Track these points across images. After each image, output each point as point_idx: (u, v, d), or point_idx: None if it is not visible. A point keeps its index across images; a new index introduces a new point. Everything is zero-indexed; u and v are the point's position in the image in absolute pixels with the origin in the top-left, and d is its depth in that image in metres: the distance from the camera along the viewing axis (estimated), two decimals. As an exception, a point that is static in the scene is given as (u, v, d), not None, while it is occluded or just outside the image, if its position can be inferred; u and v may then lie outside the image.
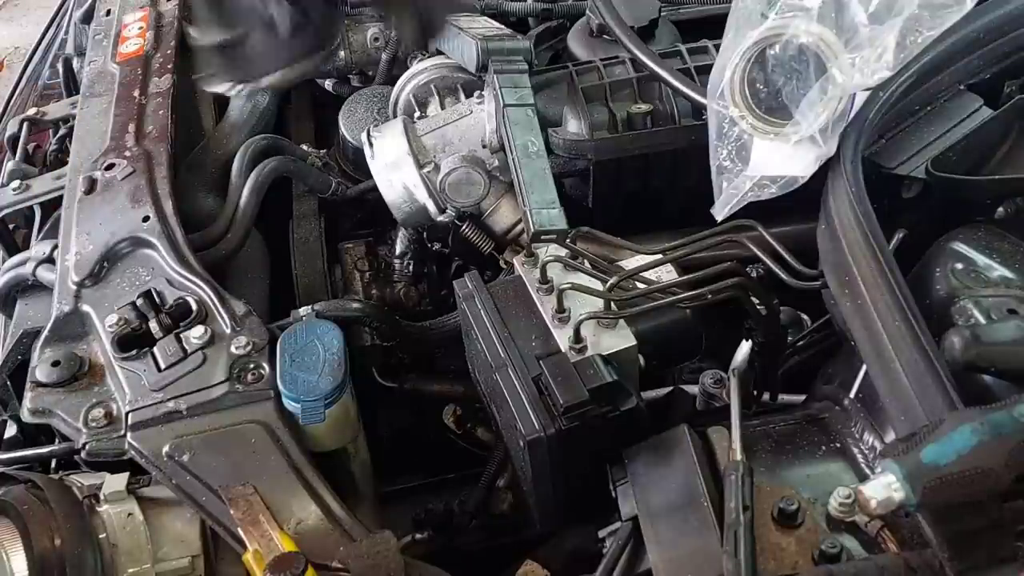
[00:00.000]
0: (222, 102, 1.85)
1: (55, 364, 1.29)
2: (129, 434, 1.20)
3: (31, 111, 1.93)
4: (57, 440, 1.28)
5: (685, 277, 1.19)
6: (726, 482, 0.96)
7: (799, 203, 1.15)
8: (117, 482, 1.15)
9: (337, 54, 1.93)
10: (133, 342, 1.31)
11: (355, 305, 1.51)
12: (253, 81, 1.75)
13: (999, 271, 1.09)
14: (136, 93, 1.71)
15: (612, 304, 1.16)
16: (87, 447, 1.21)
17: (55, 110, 1.92)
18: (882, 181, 1.24)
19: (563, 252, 1.26)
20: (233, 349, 1.28)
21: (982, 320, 1.01)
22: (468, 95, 1.64)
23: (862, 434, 1.06)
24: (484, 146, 1.53)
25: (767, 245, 1.17)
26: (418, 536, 1.53)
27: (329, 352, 1.28)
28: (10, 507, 1.07)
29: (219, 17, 1.77)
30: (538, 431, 1.07)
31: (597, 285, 1.18)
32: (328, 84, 2.01)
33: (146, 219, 1.46)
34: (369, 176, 1.63)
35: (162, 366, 1.27)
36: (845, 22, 1.09)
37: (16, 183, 1.71)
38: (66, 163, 1.67)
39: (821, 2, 1.08)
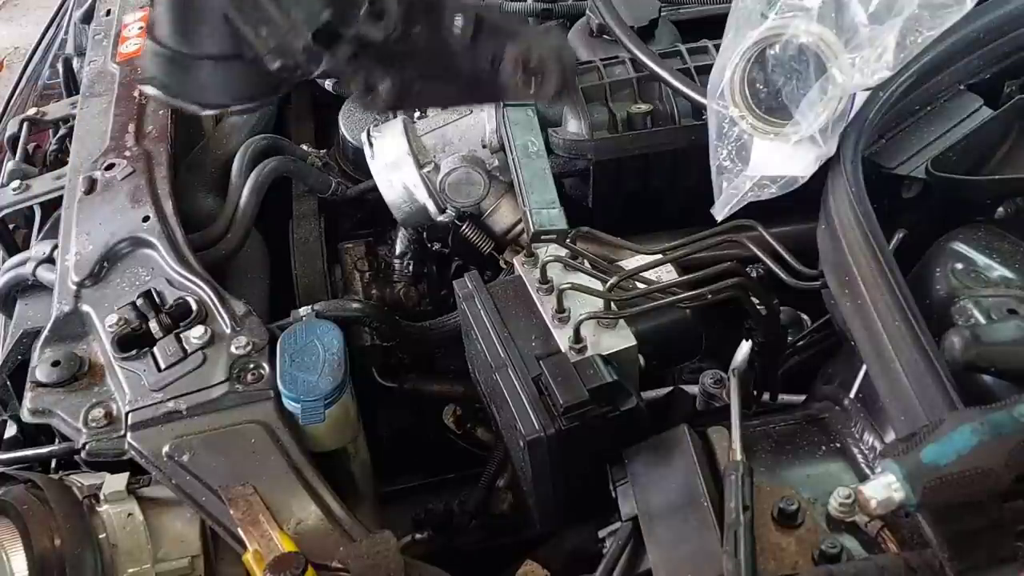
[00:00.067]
0: (222, 102, 1.85)
1: (55, 364, 1.29)
2: (129, 434, 1.20)
3: (31, 111, 1.93)
4: (57, 440, 1.27)
5: (685, 277, 1.19)
6: (726, 482, 0.96)
7: (799, 203, 1.15)
8: (117, 482, 1.15)
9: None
10: (133, 342, 1.31)
11: (355, 305, 1.51)
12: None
13: (999, 271, 1.09)
14: (136, 93, 1.71)
15: (612, 304, 1.16)
16: (87, 447, 1.21)
17: (55, 110, 1.91)
18: (882, 181, 1.24)
19: (563, 252, 1.26)
20: (233, 349, 1.28)
21: (982, 320, 1.01)
22: (468, 95, 1.64)
23: (862, 434, 1.06)
24: (484, 146, 1.53)
25: (767, 245, 1.17)
26: (418, 536, 1.53)
27: (329, 352, 1.28)
28: (10, 507, 1.07)
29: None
30: (538, 431, 1.07)
31: (597, 285, 1.18)
32: (328, 84, 2.01)
33: (146, 219, 1.46)
34: (369, 176, 1.63)
35: (162, 366, 1.27)
36: (845, 22, 1.09)
37: (16, 183, 1.70)
38: (66, 163, 1.67)
39: (821, 2, 1.08)
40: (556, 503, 1.17)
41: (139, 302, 1.35)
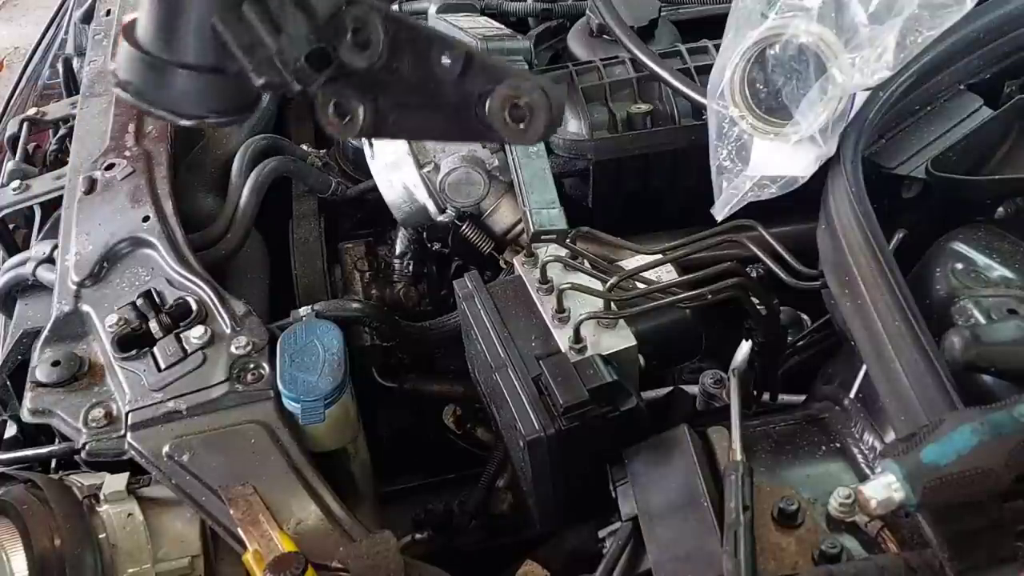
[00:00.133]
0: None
1: (55, 364, 1.29)
2: (129, 434, 1.20)
3: (31, 111, 1.93)
4: (57, 440, 1.27)
5: (685, 277, 1.19)
6: (726, 482, 0.96)
7: (799, 203, 1.15)
8: (117, 482, 1.15)
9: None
10: (133, 342, 1.31)
11: (355, 305, 1.51)
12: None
13: (999, 271, 1.09)
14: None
15: (612, 304, 1.16)
16: (87, 447, 1.21)
17: (55, 110, 1.92)
18: (882, 181, 1.24)
19: (563, 252, 1.26)
20: (233, 349, 1.28)
21: (982, 320, 1.01)
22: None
23: (862, 434, 1.06)
24: (484, 146, 1.53)
25: (767, 245, 1.17)
26: (418, 536, 1.53)
27: (329, 352, 1.28)
28: (10, 507, 1.06)
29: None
30: (538, 431, 1.07)
31: (597, 285, 1.18)
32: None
33: (146, 219, 1.46)
34: (369, 176, 1.63)
35: (162, 366, 1.27)
36: (845, 22, 1.09)
37: (16, 183, 1.71)
38: (66, 163, 1.67)
39: (821, 2, 1.08)
40: (556, 503, 1.17)
41: (139, 302, 1.35)
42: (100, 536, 1.10)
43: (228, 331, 1.31)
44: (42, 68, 2.26)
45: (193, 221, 1.55)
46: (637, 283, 1.20)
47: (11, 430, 1.38)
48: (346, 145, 1.82)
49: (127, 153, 1.60)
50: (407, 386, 1.61)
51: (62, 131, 1.84)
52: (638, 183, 1.52)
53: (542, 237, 1.28)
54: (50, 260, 1.50)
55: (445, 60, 0.78)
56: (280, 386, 1.23)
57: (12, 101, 2.16)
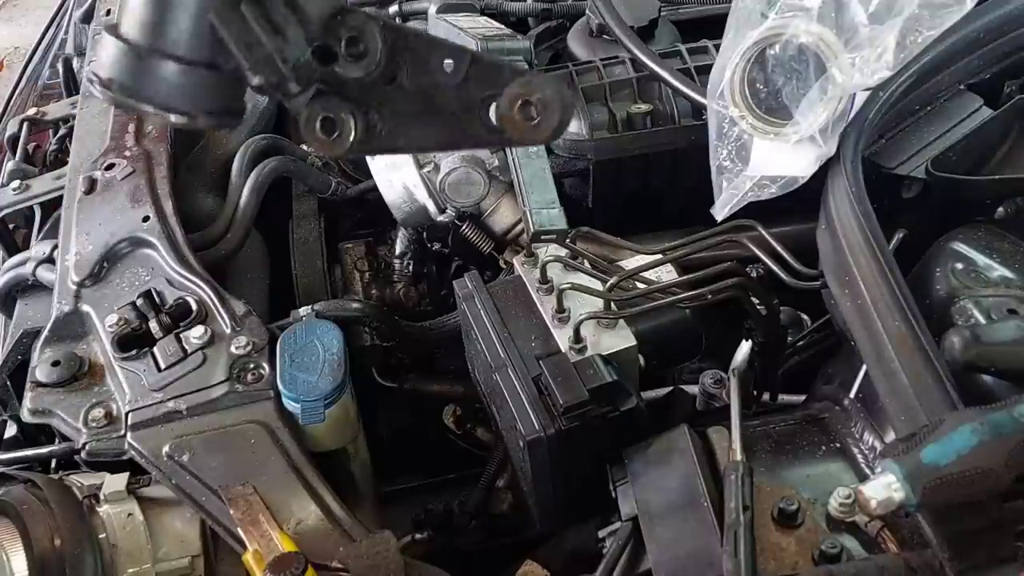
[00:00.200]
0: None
1: (55, 364, 1.29)
2: (129, 434, 1.20)
3: (31, 111, 1.93)
4: (57, 440, 1.28)
5: (685, 277, 1.19)
6: (726, 482, 0.96)
7: (799, 203, 1.15)
8: (117, 482, 1.15)
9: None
10: (133, 342, 1.31)
11: (355, 305, 1.51)
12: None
13: (999, 271, 1.09)
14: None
15: (612, 304, 1.16)
16: (87, 447, 1.21)
17: (55, 110, 1.92)
18: (882, 181, 1.24)
19: (563, 252, 1.26)
20: (233, 349, 1.28)
21: (982, 320, 1.01)
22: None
23: (862, 434, 1.06)
24: (484, 146, 1.53)
25: (767, 245, 1.17)
26: (418, 536, 1.53)
27: (329, 352, 1.28)
28: (10, 507, 1.06)
29: None
30: (538, 431, 1.07)
31: (597, 285, 1.18)
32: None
33: (146, 219, 1.46)
34: (369, 176, 1.63)
35: (162, 366, 1.27)
36: (845, 22, 1.09)
37: (16, 183, 1.71)
38: (66, 163, 1.67)
39: (821, 2, 1.08)
40: (556, 503, 1.17)
41: (139, 302, 1.35)
42: (100, 536, 1.10)
43: (228, 331, 1.31)
44: (42, 68, 2.27)
45: (193, 221, 1.55)
46: (637, 283, 1.20)
47: (11, 430, 1.38)
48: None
49: (127, 153, 1.60)
50: (407, 386, 1.61)
51: (62, 131, 1.84)
52: (638, 183, 1.52)
53: (542, 237, 1.28)
54: (50, 260, 1.50)
55: (447, 65, 0.76)
56: (280, 386, 1.23)
57: (12, 101, 2.16)
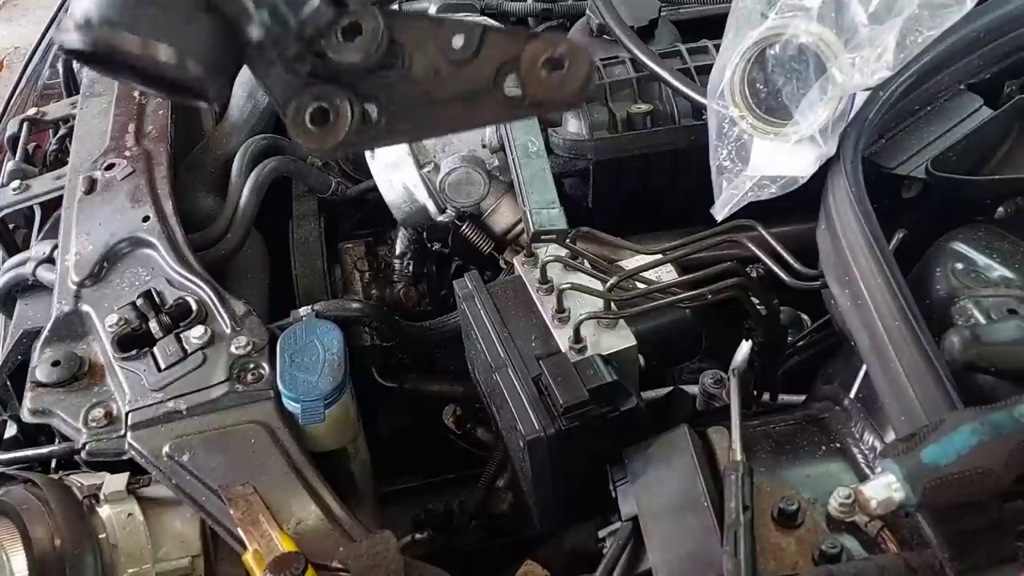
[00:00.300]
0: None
1: (55, 364, 1.29)
2: (129, 434, 1.20)
3: (31, 111, 1.93)
4: (57, 440, 1.28)
5: (685, 277, 1.19)
6: (726, 482, 0.96)
7: (799, 203, 1.15)
8: (117, 482, 1.15)
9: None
10: (133, 342, 1.31)
11: (355, 305, 1.51)
12: None
13: (999, 271, 1.09)
14: (136, 93, 1.71)
15: (612, 304, 1.16)
16: (87, 447, 1.21)
17: (55, 110, 1.92)
18: (882, 181, 1.24)
19: (563, 252, 1.26)
20: (233, 349, 1.28)
21: (982, 320, 1.01)
22: (468, 95, 1.64)
23: (862, 434, 1.06)
24: (484, 146, 1.53)
25: (767, 245, 1.17)
26: (418, 536, 1.53)
27: (329, 352, 1.28)
28: (10, 507, 1.06)
29: None
30: (538, 431, 1.07)
31: (597, 285, 1.18)
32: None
33: (146, 219, 1.47)
34: (369, 176, 1.63)
35: (162, 366, 1.27)
36: (845, 22, 1.09)
37: (16, 183, 1.71)
38: (66, 163, 1.67)
39: (821, 2, 1.08)
40: (556, 503, 1.17)
41: (139, 302, 1.35)
42: (100, 536, 1.10)
43: (228, 331, 1.31)
44: (42, 68, 2.26)
45: (193, 221, 1.55)
46: (637, 283, 1.20)
47: (11, 430, 1.38)
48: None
49: (127, 153, 1.60)
50: (407, 386, 1.61)
51: (62, 131, 1.84)
52: (638, 183, 1.52)
53: (542, 237, 1.28)
54: (50, 260, 1.50)
55: (457, 40, 0.70)
56: (280, 386, 1.23)
57: (12, 101, 2.16)
